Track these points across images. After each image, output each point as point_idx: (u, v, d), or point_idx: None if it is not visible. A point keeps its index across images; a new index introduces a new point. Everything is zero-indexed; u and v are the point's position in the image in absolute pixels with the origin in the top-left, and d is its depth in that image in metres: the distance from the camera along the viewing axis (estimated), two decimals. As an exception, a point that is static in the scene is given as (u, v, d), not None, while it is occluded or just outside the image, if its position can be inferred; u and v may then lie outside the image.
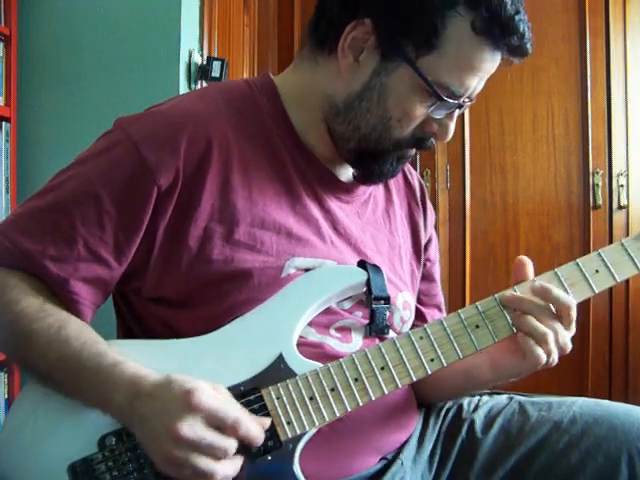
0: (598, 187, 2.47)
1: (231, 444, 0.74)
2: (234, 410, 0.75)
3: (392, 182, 1.09)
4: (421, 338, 0.85)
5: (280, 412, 0.80)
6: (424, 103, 0.89)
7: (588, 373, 2.40)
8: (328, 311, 0.91)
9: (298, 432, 0.80)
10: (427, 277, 1.13)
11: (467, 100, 0.92)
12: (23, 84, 2.15)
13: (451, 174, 2.68)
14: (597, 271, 0.89)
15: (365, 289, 0.91)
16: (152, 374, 0.78)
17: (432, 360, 0.85)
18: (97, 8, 2.20)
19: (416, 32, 0.87)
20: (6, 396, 1.93)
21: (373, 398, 0.83)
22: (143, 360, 0.82)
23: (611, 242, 2.42)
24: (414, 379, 0.85)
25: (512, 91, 2.58)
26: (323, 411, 0.81)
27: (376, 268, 0.93)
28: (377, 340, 0.94)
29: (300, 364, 0.83)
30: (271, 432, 0.79)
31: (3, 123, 2.04)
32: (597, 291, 0.90)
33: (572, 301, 0.86)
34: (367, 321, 0.94)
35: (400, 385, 0.84)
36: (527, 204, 2.58)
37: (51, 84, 2.22)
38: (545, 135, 2.56)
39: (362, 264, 0.92)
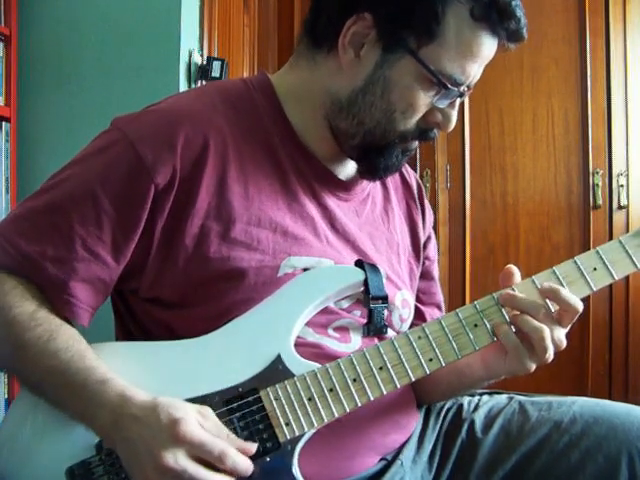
0: (598, 187, 2.46)
1: (216, 476, 0.73)
2: (220, 443, 0.74)
3: (390, 181, 1.09)
4: (419, 338, 0.85)
5: (278, 413, 0.80)
6: (428, 93, 0.90)
7: (588, 373, 2.40)
8: (326, 311, 0.91)
9: (297, 433, 0.80)
10: (426, 275, 1.13)
11: (467, 88, 0.93)
12: (23, 84, 2.15)
13: (451, 174, 2.68)
14: (595, 269, 0.89)
15: (363, 289, 0.91)
16: (138, 395, 0.77)
17: (431, 360, 0.85)
18: (97, 8, 2.20)
19: (417, 22, 0.87)
20: (6, 396, 1.93)
21: (372, 398, 0.83)
22: (139, 363, 0.82)
23: (611, 242, 2.43)
24: (413, 379, 0.84)
25: (512, 91, 2.58)
26: (322, 412, 0.81)
27: (374, 267, 0.92)
28: (376, 340, 0.93)
29: (298, 365, 0.83)
30: (269, 433, 0.79)
31: (3, 123, 2.04)
32: (595, 289, 0.89)
33: (580, 304, 0.86)
34: (365, 320, 0.94)
35: (399, 385, 0.84)
36: (527, 204, 2.58)
37: (51, 84, 2.22)
38: (545, 135, 2.56)
39: (359, 263, 0.92)
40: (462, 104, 2.97)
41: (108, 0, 2.19)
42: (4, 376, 1.93)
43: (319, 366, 0.83)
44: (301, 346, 0.86)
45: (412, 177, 1.15)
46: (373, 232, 1.02)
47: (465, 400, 1.08)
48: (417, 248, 1.10)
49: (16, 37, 2.10)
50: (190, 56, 2.18)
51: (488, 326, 0.86)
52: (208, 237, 0.87)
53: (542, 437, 0.97)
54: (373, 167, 0.97)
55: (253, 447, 0.77)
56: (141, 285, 0.89)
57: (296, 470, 0.80)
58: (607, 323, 2.38)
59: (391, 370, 0.84)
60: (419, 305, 1.11)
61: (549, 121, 2.56)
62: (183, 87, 2.16)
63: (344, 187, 0.99)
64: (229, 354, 0.83)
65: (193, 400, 0.79)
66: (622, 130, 2.45)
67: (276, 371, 0.82)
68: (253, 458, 0.77)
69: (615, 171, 2.45)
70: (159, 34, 2.14)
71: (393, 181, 1.11)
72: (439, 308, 1.15)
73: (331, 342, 0.91)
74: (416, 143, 0.97)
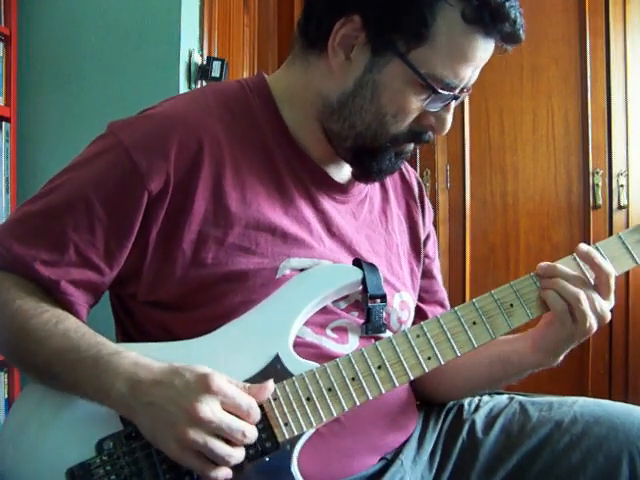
0: (598, 187, 2.46)
1: (250, 428, 0.75)
2: (247, 396, 0.76)
3: (389, 181, 1.09)
4: (418, 336, 0.85)
5: (277, 413, 0.80)
6: (419, 97, 0.88)
7: (588, 373, 2.40)
8: (324, 311, 0.91)
9: (296, 433, 0.80)
10: (426, 274, 1.12)
11: (464, 90, 0.91)
12: (23, 84, 2.15)
13: (451, 174, 2.68)
14: None
15: (361, 288, 0.91)
16: (153, 362, 0.78)
17: (429, 358, 0.85)
18: (97, 8, 2.20)
19: (406, 25, 0.86)
20: (6, 396, 1.93)
21: (370, 397, 0.82)
22: None
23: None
24: (411, 377, 0.84)
25: (512, 91, 2.58)
26: (320, 411, 0.81)
27: (372, 266, 0.92)
28: (373, 340, 0.93)
29: (297, 364, 0.83)
30: (268, 434, 0.79)
31: (3, 123, 2.04)
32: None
33: (612, 269, 0.87)
34: (363, 320, 0.94)
35: (397, 384, 0.84)
36: (527, 204, 2.58)
37: (51, 84, 2.22)
38: (545, 135, 2.56)
39: (357, 262, 0.92)
40: (462, 104, 2.96)
41: (108, 0, 2.19)
42: (4, 376, 1.93)
43: (317, 366, 0.83)
44: (300, 346, 0.87)
45: (412, 176, 1.15)
46: (371, 234, 1.02)
47: (465, 401, 1.08)
48: (417, 248, 1.10)
49: (16, 37, 2.10)
50: (190, 56, 2.18)
51: (487, 324, 0.86)
52: (206, 243, 0.87)
53: (543, 437, 0.97)
54: (366, 170, 0.96)
55: (270, 385, 0.79)
56: (139, 289, 0.90)
57: (295, 470, 0.79)
58: (607, 323, 2.38)
59: (389, 369, 0.83)
60: (421, 304, 1.10)
61: (549, 121, 2.56)
62: (183, 87, 2.16)
63: (340, 189, 0.99)
64: (228, 354, 0.83)
65: None
66: (622, 130, 2.45)
67: (275, 371, 0.82)
68: (252, 458, 0.78)
69: (615, 171, 2.45)
70: (159, 34, 2.14)
71: (392, 181, 1.10)
72: (442, 306, 1.14)
73: (329, 343, 0.91)
74: (411, 146, 0.96)
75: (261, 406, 0.79)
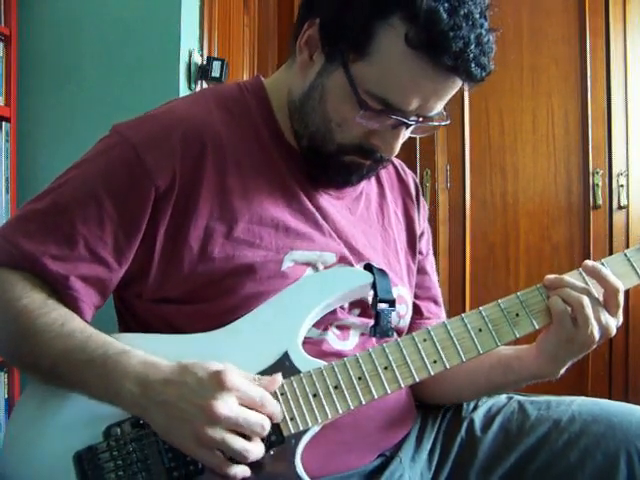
0: (598, 187, 2.47)
1: (266, 420, 0.76)
2: (259, 389, 0.77)
3: (385, 179, 1.10)
4: (425, 340, 0.87)
5: (283, 408, 0.81)
6: (355, 111, 0.87)
7: (588, 373, 2.40)
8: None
9: (301, 428, 0.81)
10: (419, 270, 1.13)
11: (419, 119, 0.88)
12: (23, 84, 2.15)
13: (451, 174, 2.68)
14: None
15: (371, 291, 0.92)
16: (161, 361, 0.78)
17: (435, 362, 0.86)
18: (97, 8, 2.20)
19: (350, 36, 0.85)
20: (6, 396, 1.93)
21: (376, 397, 0.84)
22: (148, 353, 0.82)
23: (611, 242, 2.43)
24: (417, 379, 0.85)
25: (512, 91, 2.58)
26: (326, 408, 0.82)
27: (382, 271, 0.93)
28: (373, 339, 0.95)
29: (305, 362, 0.84)
30: (274, 427, 0.80)
31: (3, 123, 2.03)
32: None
33: (620, 284, 0.87)
34: (364, 319, 0.95)
35: (403, 385, 0.85)
36: (527, 204, 2.58)
37: (51, 84, 2.22)
38: (545, 135, 2.56)
39: (368, 267, 0.93)
40: (462, 104, 2.95)
41: (108, 0, 2.19)
42: (4, 376, 1.93)
43: (325, 364, 0.84)
44: (304, 341, 0.87)
45: (409, 176, 1.16)
46: (367, 229, 1.03)
47: (464, 399, 1.08)
48: (413, 244, 1.11)
49: (16, 37, 2.10)
50: (190, 56, 2.18)
51: (493, 332, 0.87)
52: (212, 237, 0.88)
53: (541, 436, 0.98)
54: (317, 173, 0.96)
55: (279, 377, 0.80)
56: (145, 289, 0.90)
57: (299, 464, 0.81)
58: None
59: (396, 370, 0.85)
60: (415, 300, 1.11)
61: (549, 121, 2.56)
62: (183, 87, 2.16)
63: (334, 185, 1.00)
64: (238, 349, 0.85)
65: None
66: (622, 130, 2.45)
67: (283, 367, 0.83)
68: None
69: (615, 171, 2.45)
70: (159, 34, 2.14)
71: (388, 179, 1.12)
72: (435, 302, 1.15)
73: (332, 339, 0.93)
74: (369, 162, 0.94)
75: None
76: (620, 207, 2.44)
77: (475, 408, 1.06)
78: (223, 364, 0.76)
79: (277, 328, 0.86)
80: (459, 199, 2.67)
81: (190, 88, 2.20)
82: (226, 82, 2.25)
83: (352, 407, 0.83)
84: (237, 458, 0.74)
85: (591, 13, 2.48)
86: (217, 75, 2.21)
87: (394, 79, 0.84)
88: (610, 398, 1.13)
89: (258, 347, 0.85)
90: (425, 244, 1.15)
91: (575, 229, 2.51)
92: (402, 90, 0.85)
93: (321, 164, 0.95)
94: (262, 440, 0.77)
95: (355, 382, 0.83)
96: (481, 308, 0.88)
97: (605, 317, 0.88)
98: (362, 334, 0.96)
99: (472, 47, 0.81)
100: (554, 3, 2.53)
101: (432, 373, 0.85)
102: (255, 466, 0.77)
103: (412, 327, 1.06)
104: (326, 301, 0.89)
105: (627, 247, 1.14)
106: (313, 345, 0.90)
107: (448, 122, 0.92)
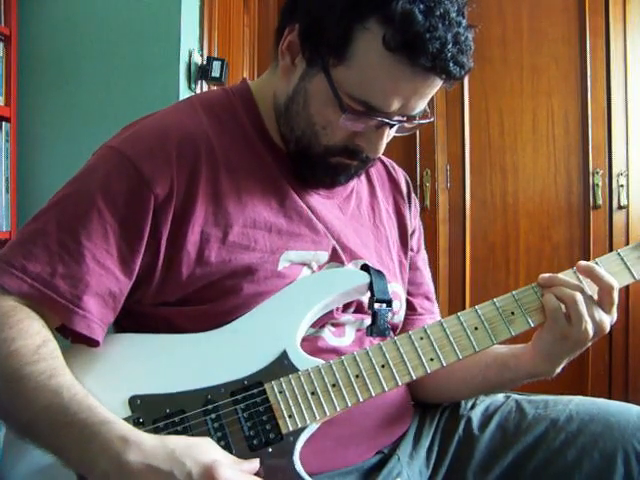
0: (598, 187, 2.47)
1: None
2: (249, 476, 0.74)
3: (375, 178, 1.11)
4: (421, 338, 0.87)
5: (282, 405, 0.82)
6: (338, 113, 0.87)
7: (588, 373, 2.40)
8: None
9: (299, 425, 0.82)
10: (411, 266, 1.14)
11: (403, 118, 0.88)
12: (23, 84, 2.15)
13: (451, 174, 2.68)
14: None
15: (368, 292, 0.93)
16: (145, 439, 0.72)
17: (432, 360, 0.87)
18: (97, 8, 2.20)
19: (329, 40, 0.85)
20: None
21: (373, 394, 0.84)
22: (149, 354, 0.84)
23: (611, 242, 2.43)
24: (414, 377, 0.86)
25: (512, 91, 2.58)
26: (324, 406, 0.83)
27: (378, 272, 0.94)
28: (370, 338, 0.95)
29: (303, 361, 0.85)
30: (272, 425, 0.81)
31: (3, 123, 2.04)
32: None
33: (615, 282, 0.89)
34: (358, 315, 0.96)
35: (400, 383, 0.85)
36: (527, 204, 2.58)
37: (51, 84, 2.22)
38: (545, 135, 2.56)
39: (365, 267, 0.94)
40: (462, 104, 2.94)
41: (108, 0, 2.19)
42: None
43: (323, 362, 0.85)
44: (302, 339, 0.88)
45: (399, 173, 1.16)
46: (359, 228, 1.03)
47: (462, 398, 1.09)
48: (405, 241, 1.12)
49: (16, 37, 2.11)
50: (190, 56, 2.18)
51: (489, 330, 0.88)
52: (209, 243, 0.88)
53: (539, 435, 0.98)
54: (305, 177, 0.97)
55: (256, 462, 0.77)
56: (146, 294, 0.90)
57: (297, 462, 0.81)
58: (607, 323, 2.38)
59: (393, 368, 0.86)
60: (408, 297, 1.11)
61: (549, 121, 2.56)
62: (183, 87, 2.16)
63: (324, 186, 1.00)
64: (237, 348, 0.86)
65: (199, 391, 0.81)
66: (622, 130, 2.45)
67: (281, 366, 0.84)
68: (256, 449, 0.79)
69: (615, 171, 2.45)
70: (159, 34, 2.15)
71: (379, 178, 1.12)
72: (428, 299, 1.15)
73: (328, 336, 0.94)
74: (356, 162, 0.95)
75: (267, 399, 0.82)
76: (620, 207, 2.45)
77: (473, 406, 1.06)
78: (211, 457, 0.71)
79: (275, 327, 0.87)
80: (459, 199, 2.67)
81: (190, 88, 2.20)
82: (226, 82, 2.25)
83: (350, 405, 0.84)
84: None
85: (591, 13, 2.48)
86: (217, 75, 2.21)
87: (374, 82, 0.84)
88: (610, 398, 1.14)
89: (257, 346, 0.85)
90: (417, 241, 1.16)
91: (575, 229, 2.52)
92: (382, 92, 0.85)
93: (309, 166, 0.95)
94: (257, 437, 0.76)
95: (353, 380, 0.84)
96: (477, 307, 0.89)
97: (599, 314, 0.89)
98: (358, 330, 0.97)
99: (449, 47, 0.81)
100: (554, 3, 2.54)
101: (429, 371, 0.86)
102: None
103: (406, 323, 1.07)
104: (324, 301, 0.90)
105: (627, 247, 1.13)
106: (310, 342, 0.90)
107: (432, 119, 0.92)
